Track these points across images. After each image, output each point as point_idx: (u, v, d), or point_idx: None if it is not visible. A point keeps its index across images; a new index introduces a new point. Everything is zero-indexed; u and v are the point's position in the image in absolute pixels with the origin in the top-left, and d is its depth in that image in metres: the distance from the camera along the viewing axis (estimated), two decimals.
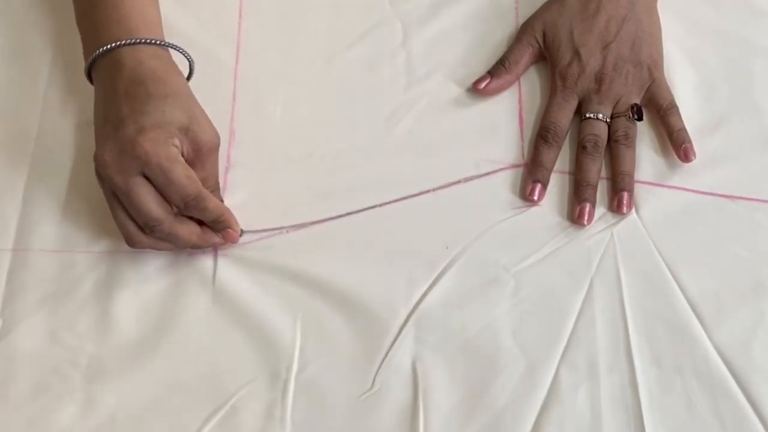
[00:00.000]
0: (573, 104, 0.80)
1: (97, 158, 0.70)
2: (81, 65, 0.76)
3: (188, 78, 0.78)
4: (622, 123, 0.79)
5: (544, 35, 0.82)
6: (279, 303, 0.73)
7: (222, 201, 0.75)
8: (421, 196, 0.78)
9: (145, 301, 0.73)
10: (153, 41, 0.75)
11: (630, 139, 0.79)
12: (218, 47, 0.84)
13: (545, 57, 0.83)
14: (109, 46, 0.73)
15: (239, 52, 0.84)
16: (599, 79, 0.80)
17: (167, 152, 0.69)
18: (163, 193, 0.70)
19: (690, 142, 0.78)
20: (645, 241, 0.76)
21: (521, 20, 0.85)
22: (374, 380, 0.71)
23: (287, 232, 0.76)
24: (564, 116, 0.80)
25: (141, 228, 0.71)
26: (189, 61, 0.78)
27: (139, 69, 0.73)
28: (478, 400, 0.70)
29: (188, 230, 0.72)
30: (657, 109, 0.80)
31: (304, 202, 0.78)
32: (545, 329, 0.73)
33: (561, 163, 0.79)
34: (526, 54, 0.83)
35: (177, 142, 0.71)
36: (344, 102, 0.83)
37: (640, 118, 0.79)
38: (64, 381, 0.70)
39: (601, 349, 0.72)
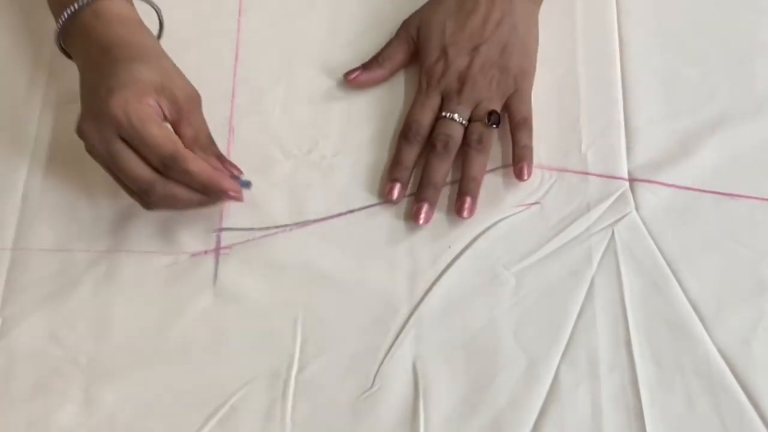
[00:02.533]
0: (436, 102, 0.79)
1: (77, 132, 0.69)
2: None
3: (160, 31, 0.77)
4: (477, 128, 0.78)
5: (419, 32, 0.82)
6: (279, 302, 0.74)
7: (221, 155, 0.73)
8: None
9: (145, 300, 0.73)
10: None
11: (483, 145, 0.77)
12: (218, 45, 0.84)
13: None
14: (71, 9, 0.72)
15: (239, 49, 0.84)
16: (462, 80, 0.79)
17: (139, 111, 0.68)
18: (141, 156, 0.68)
19: (529, 161, 0.77)
20: (645, 239, 0.76)
21: None
22: (375, 379, 0.71)
23: (289, 230, 0.76)
24: (425, 115, 0.79)
25: (138, 194, 0.70)
26: (157, 12, 0.77)
27: (105, 36, 0.71)
28: (479, 398, 0.70)
29: (186, 190, 0.70)
30: (510, 120, 0.79)
31: (305, 199, 0.78)
32: (546, 328, 0.73)
33: (559, 160, 0.79)
34: (401, 51, 0.82)
35: (151, 101, 0.69)
36: (344, 99, 0.82)
37: (496, 125, 0.78)
38: (64, 380, 0.71)
39: (602, 348, 0.72)
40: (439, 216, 0.77)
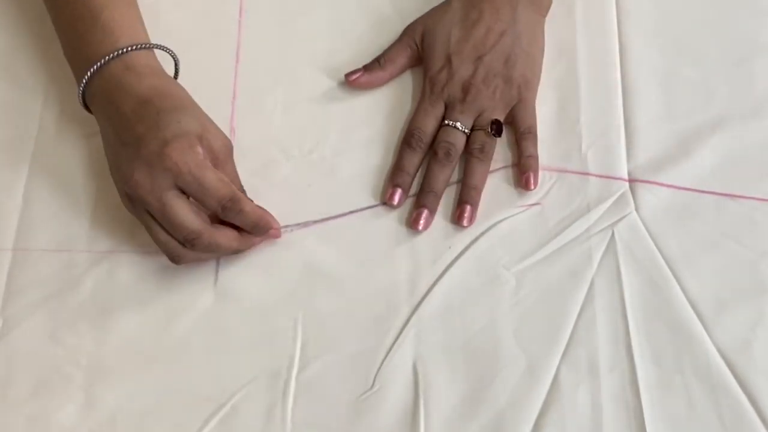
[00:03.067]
0: (439, 110, 0.80)
1: (126, 181, 0.70)
2: None
3: (175, 76, 0.78)
4: (479, 136, 0.78)
5: (423, 38, 0.82)
6: (280, 302, 0.74)
7: (251, 201, 0.74)
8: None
9: (145, 300, 0.74)
10: (141, 46, 0.74)
11: (485, 154, 0.78)
12: (218, 46, 0.84)
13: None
14: (100, 64, 0.73)
15: (239, 50, 0.84)
16: (465, 89, 0.79)
17: (195, 159, 0.69)
18: (199, 201, 0.70)
19: (536, 170, 0.78)
20: (645, 240, 0.76)
21: None
22: (375, 380, 0.71)
23: (290, 230, 0.76)
24: (429, 122, 0.79)
25: (182, 243, 0.70)
26: (174, 60, 0.78)
27: (141, 88, 0.73)
28: (479, 399, 0.70)
29: (227, 236, 0.72)
30: (515, 130, 0.80)
31: (305, 200, 0.78)
32: (546, 328, 0.73)
33: (560, 161, 0.79)
34: (403, 54, 0.82)
35: (199, 149, 0.71)
36: (344, 100, 0.82)
37: (498, 134, 0.78)
38: (64, 381, 0.71)
39: (602, 348, 0.72)
40: (439, 216, 0.77)
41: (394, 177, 0.78)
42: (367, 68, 0.82)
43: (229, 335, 0.72)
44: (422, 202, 0.77)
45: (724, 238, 0.76)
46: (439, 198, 0.77)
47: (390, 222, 0.77)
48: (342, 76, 0.82)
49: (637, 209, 0.77)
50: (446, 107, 0.80)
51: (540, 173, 0.78)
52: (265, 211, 0.74)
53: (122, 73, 0.73)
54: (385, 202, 0.77)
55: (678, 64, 0.83)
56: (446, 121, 0.79)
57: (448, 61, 0.80)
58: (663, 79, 0.83)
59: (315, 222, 0.77)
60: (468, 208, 0.77)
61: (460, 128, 0.78)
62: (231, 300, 0.73)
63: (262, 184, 0.78)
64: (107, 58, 0.73)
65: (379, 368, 0.71)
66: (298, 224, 0.77)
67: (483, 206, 0.77)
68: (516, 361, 0.71)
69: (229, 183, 0.71)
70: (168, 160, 0.68)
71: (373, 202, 0.78)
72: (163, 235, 0.71)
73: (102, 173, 0.77)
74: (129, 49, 0.74)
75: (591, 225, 0.76)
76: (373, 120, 0.82)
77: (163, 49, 0.77)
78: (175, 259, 0.72)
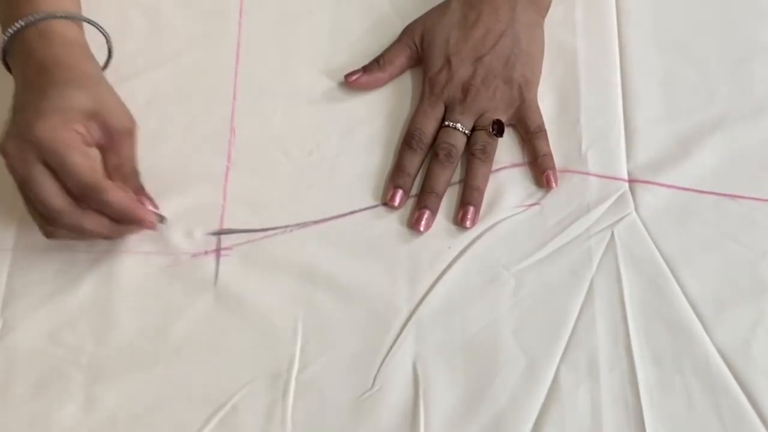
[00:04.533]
0: (439, 111, 0.80)
1: (0, 147, 0.69)
2: None
3: (108, 59, 0.77)
4: (481, 137, 0.78)
5: (422, 39, 0.82)
6: (280, 302, 0.74)
7: (141, 187, 0.73)
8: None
9: (145, 300, 0.73)
10: (61, 15, 0.73)
11: (486, 154, 0.78)
12: (218, 46, 0.84)
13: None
14: (17, 26, 0.72)
15: (240, 50, 0.84)
16: (465, 90, 0.79)
17: (64, 137, 0.67)
18: (61, 181, 0.68)
19: (553, 168, 0.78)
20: (645, 240, 0.76)
21: None
22: (375, 380, 0.71)
23: (290, 231, 0.76)
24: (429, 123, 0.79)
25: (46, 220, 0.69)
26: (106, 38, 0.77)
27: (46, 56, 0.71)
28: (479, 399, 0.70)
29: (94, 221, 0.69)
30: (525, 131, 0.80)
31: (305, 200, 0.78)
32: (546, 328, 0.73)
33: (560, 161, 0.79)
34: (402, 55, 0.82)
35: (80, 127, 0.69)
36: (345, 100, 0.82)
37: (500, 135, 0.79)
38: (64, 381, 0.70)
39: (602, 349, 0.72)
40: (439, 217, 0.77)
41: (394, 178, 0.78)
42: (366, 69, 0.82)
43: (229, 335, 0.72)
44: (423, 203, 0.77)
45: (724, 238, 0.76)
46: (441, 199, 0.77)
47: (390, 222, 0.77)
48: (342, 77, 0.82)
49: (636, 209, 0.77)
50: (446, 108, 0.80)
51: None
52: (137, 202, 0.71)
53: (34, 39, 0.72)
54: (386, 203, 0.78)
55: (678, 64, 0.84)
56: (446, 122, 0.79)
57: (447, 62, 0.80)
58: (663, 79, 0.83)
59: (315, 222, 0.77)
60: (471, 209, 0.77)
61: (461, 129, 0.78)
62: (231, 300, 0.73)
63: (262, 184, 0.78)
64: (23, 22, 0.72)
65: (379, 368, 0.71)
66: (298, 224, 0.77)
67: (483, 207, 0.77)
68: (516, 361, 0.71)
69: (94, 169, 0.69)
70: (36, 133, 0.67)
71: (373, 203, 0.78)
72: (30, 209, 0.70)
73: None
74: (49, 15, 0.72)
75: (591, 225, 0.76)
76: (373, 120, 0.82)
77: (89, 22, 0.75)
78: (45, 233, 0.71)
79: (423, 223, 0.76)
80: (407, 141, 0.79)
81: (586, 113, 0.82)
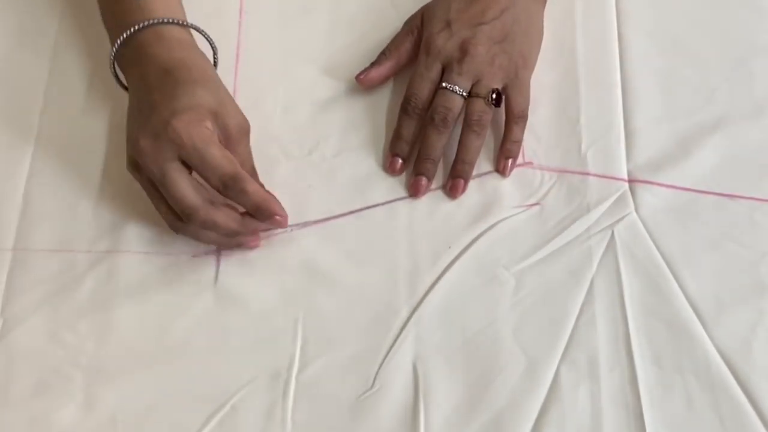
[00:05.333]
0: (435, 73, 0.79)
1: (132, 146, 0.70)
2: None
3: (214, 60, 0.78)
4: (478, 105, 0.78)
5: (422, 18, 0.82)
6: (280, 302, 0.74)
7: (261, 185, 0.74)
8: (423, 195, 0.78)
9: (145, 300, 0.73)
10: (175, 21, 0.75)
11: (481, 126, 0.78)
12: (219, 46, 0.83)
13: None
14: (132, 30, 0.74)
15: (239, 50, 0.84)
16: (464, 49, 0.78)
17: (201, 133, 0.69)
18: (201, 175, 0.70)
19: (516, 157, 0.78)
20: (645, 240, 0.76)
21: None
22: (375, 380, 0.71)
23: (290, 230, 0.76)
24: (425, 86, 0.79)
25: (180, 216, 0.71)
26: (210, 43, 0.78)
27: (167, 58, 0.73)
28: (479, 399, 0.70)
29: (227, 216, 0.71)
30: (508, 110, 0.79)
31: (305, 200, 0.78)
32: (546, 328, 0.73)
33: (560, 161, 0.79)
34: (406, 41, 0.82)
35: (209, 124, 0.71)
36: (345, 100, 0.83)
37: (497, 105, 0.78)
38: (64, 381, 0.70)
39: (602, 348, 0.72)
40: (438, 216, 0.77)
41: (392, 145, 0.79)
42: (374, 63, 0.82)
43: (229, 335, 0.72)
44: (420, 169, 0.77)
45: (723, 238, 0.76)
46: (436, 165, 0.78)
47: (390, 222, 0.77)
48: (342, 76, 0.83)
49: (636, 209, 0.77)
50: (443, 70, 0.79)
51: (539, 173, 0.79)
52: (272, 196, 0.73)
53: (152, 42, 0.74)
54: (385, 170, 0.78)
55: (678, 64, 0.84)
56: (443, 84, 0.78)
57: (447, 24, 0.80)
58: (663, 79, 0.83)
59: (315, 222, 0.77)
60: (461, 182, 0.77)
61: (458, 92, 0.78)
62: (231, 300, 0.73)
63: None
64: (141, 24, 0.74)
65: (379, 368, 0.71)
66: (298, 224, 0.77)
67: (482, 207, 0.77)
68: (516, 361, 0.71)
69: (233, 161, 0.70)
70: (173, 131, 0.69)
71: (373, 202, 0.78)
72: (163, 206, 0.71)
73: (102, 174, 0.78)
74: (163, 21, 0.74)
75: (591, 225, 0.76)
76: (374, 120, 0.82)
77: (198, 30, 0.78)
78: (174, 229, 0.72)
79: (421, 189, 0.77)
80: (404, 106, 0.79)
81: (586, 113, 0.82)
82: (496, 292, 0.74)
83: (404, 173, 0.79)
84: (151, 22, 0.74)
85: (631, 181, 0.79)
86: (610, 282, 0.74)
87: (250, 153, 0.75)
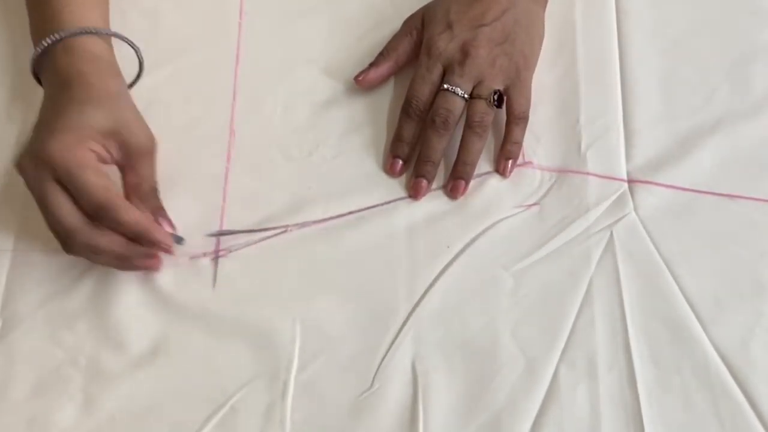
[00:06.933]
0: (436, 75, 0.79)
1: (17, 163, 0.69)
2: None
3: (139, 72, 0.77)
4: (480, 107, 0.78)
5: (423, 19, 0.82)
6: (279, 303, 0.74)
7: (160, 207, 0.73)
8: (423, 197, 0.78)
9: (144, 301, 0.73)
10: (87, 31, 0.73)
11: (483, 128, 0.78)
12: (218, 47, 0.84)
13: None
14: (47, 41, 0.72)
15: (239, 51, 0.84)
16: (465, 51, 0.78)
17: (77, 157, 0.67)
18: (76, 200, 0.68)
19: (516, 158, 0.79)
20: (644, 240, 0.76)
21: None
22: (374, 379, 0.71)
23: (289, 231, 0.77)
24: (426, 88, 0.79)
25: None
26: (136, 52, 0.77)
27: (69, 72, 0.71)
28: (478, 398, 0.70)
29: (110, 240, 0.69)
30: (509, 112, 0.79)
31: (305, 200, 0.78)
32: (544, 328, 0.73)
33: (559, 161, 0.79)
34: (405, 41, 0.82)
35: (95, 146, 0.69)
36: (344, 101, 0.83)
37: (499, 106, 0.78)
38: (64, 381, 0.71)
39: (600, 348, 0.72)
40: (438, 216, 0.77)
41: (393, 147, 0.79)
42: (372, 64, 0.82)
43: (228, 336, 0.72)
44: (420, 171, 0.78)
45: (723, 239, 0.76)
46: (437, 167, 0.78)
47: (389, 222, 0.77)
48: (342, 77, 0.83)
49: (635, 209, 0.77)
50: (445, 72, 0.79)
51: (539, 173, 0.79)
52: (153, 222, 0.71)
53: (59, 56, 0.72)
54: (386, 171, 0.79)
55: (677, 64, 0.84)
56: (445, 85, 0.78)
57: (449, 26, 0.80)
58: (662, 79, 0.83)
59: (314, 222, 0.77)
60: (462, 183, 0.77)
61: (459, 93, 0.78)
62: (230, 300, 0.74)
63: (261, 185, 0.78)
64: (51, 39, 0.72)
65: (378, 368, 0.71)
66: (298, 224, 0.77)
67: (482, 207, 0.77)
68: (515, 361, 0.71)
69: (108, 188, 0.68)
70: (48, 153, 0.67)
71: (372, 203, 0.78)
72: (48, 224, 0.70)
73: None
74: (74, 32, 0.72)
75: (590, 225, 0.76)
76: (373, 122, 0.82)
77: (120, 38, 0.76)
78: (64, 249, 0.70)
79: (421, 191, 0.77)
80: (405, 108, 0.79)
81: (585, 113, 0.82)
82: (495, 292, 0.74)
83: (404, 174, 0.79)
84: (61, 34, 0.72)
85: (630, 181, 0.79)
86: (609, 282, 0.74)
87: (152, 173, 0.73)
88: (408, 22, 0.83)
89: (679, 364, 0.71)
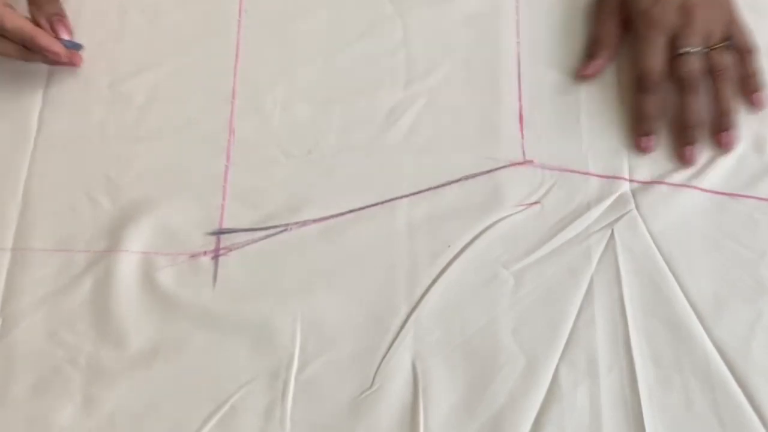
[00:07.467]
0: (661, 45, 0.79)
1: None
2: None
3: None
4: (721, 57, 0.79)
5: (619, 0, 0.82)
6: (279, 302, 0.74)
7: (56, 13, 0.78)
8: (422, 195, 0.78)
9: (144, 300, 0.74)
10: None
11: (730, 74, 0.79)
12: (218, 46, 0.84)
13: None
14: None
15: (239, 50, 0.84)
16: (686, 12, 0.79)
17: None
18: None
19: (763, 89, 0.80)
20: (645, 239, 0.76)
21: (522, 18, 0.85)
22: (374, 379, 0.71)
23: (289, 230, 0.76)
24: (656, 60, 0.79)
25: None
26: None
27: None
28: (478, 398, 0.70)
29: (3, 47, 0.76)
30: (738, 51, 0.80)
31: (305, 200, 0.78)
32: (545, 327, 0.73)
33: (560, 160, 0.79)
34: (613, 26, 0.82)
35: None
36: (344, 99, 0.82)
37: (734, 47, 0.79)
38: (64, 381, 0.71)
39: (601, 348, 0.72)
40: (437, 215, 0.77)
41: (640, 126, 0.79)
42: (591, 54, 0.82)
43: (228, 335, 0.72)
44: (690, 139, 0.78)
45: (724, 238, 0.76)
46: (702, 127, 0.78)
47: (389, 221, 0.77)
48: (342, 76, 0.82)
49: (637, 208, 0.77)
50: (672, 37, 0.80)
51: (539, 172, 0.79)
52: (38, 31, 0.76)
53: None
54: (640, 149, 0.79)
55: None
56: (680, 50, 0.79)
57: None
58: None
59: (315, 222, 0.77)
60: (731, 133, 0.78)
61: (694, 51, 0.79)
62: (230, 299, 0.74)
63: (261, 183, 0.78)
64: None
65: (378, 367, 0.71)
66: (297, 223, 0.77)
67: (482, 206, 0.77)
68: (515, 360, 0.71)
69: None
70: None
71: (372, 202, 0.78)
72: None
73: (104, 174, 0.78)
74: None
75: (590, 224, 0.76)
76: (373, 120, 0.82)
77: None
78: None
79: (692, 159, 0.78)
80: (641, 86, 0.79)
81: (586, 112, 0.81)
82: (496, 290, 0.74)
83: (406, 167, 0.79)
84: None
85: (631, 180, 0.78)
86: (609, 281, 0.74)
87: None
88: (603, 8, 0.83)
89: (680, 363, 0.71)
